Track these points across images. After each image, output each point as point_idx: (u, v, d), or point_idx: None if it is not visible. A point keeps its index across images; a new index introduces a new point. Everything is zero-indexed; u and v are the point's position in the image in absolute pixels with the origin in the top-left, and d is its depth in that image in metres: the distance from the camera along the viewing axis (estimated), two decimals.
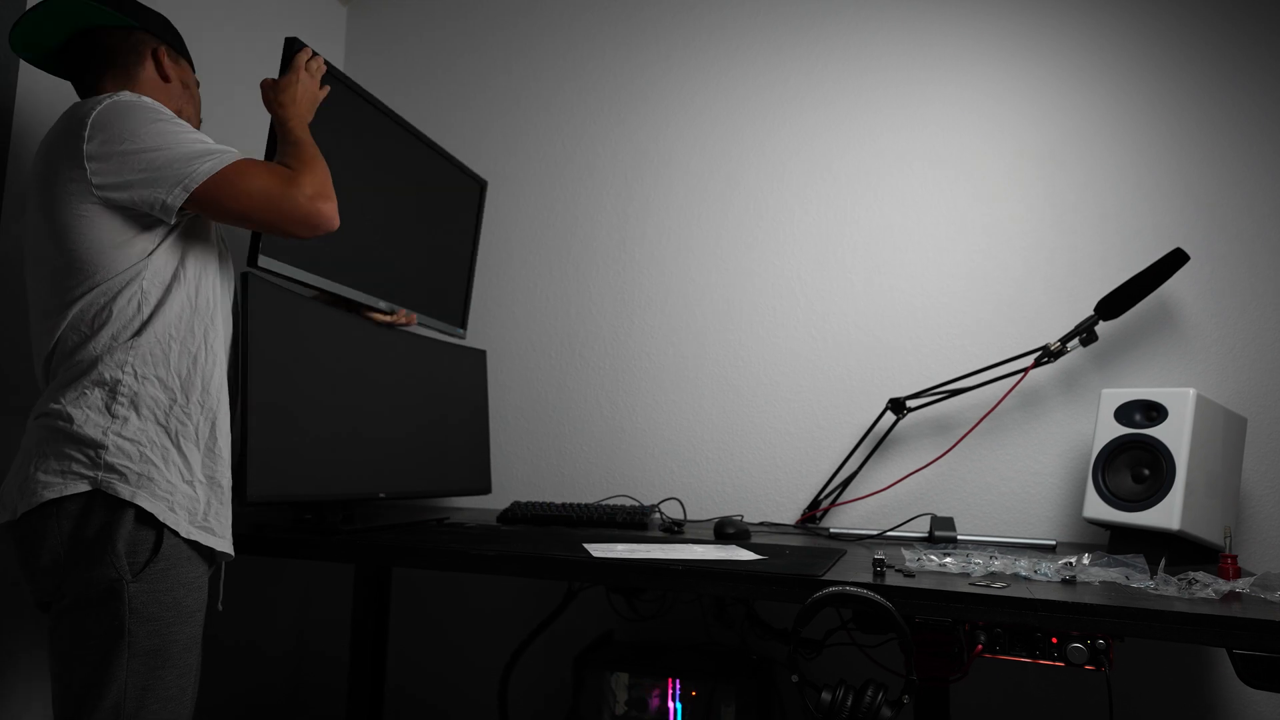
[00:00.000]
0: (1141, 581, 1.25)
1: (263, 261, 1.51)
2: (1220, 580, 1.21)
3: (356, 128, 1.73)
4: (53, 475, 1.16)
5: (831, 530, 1.79)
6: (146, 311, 1.22)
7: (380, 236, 1.85)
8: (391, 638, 2.31)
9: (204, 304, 1.29)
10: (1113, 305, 1.73)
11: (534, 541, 1.52)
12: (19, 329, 1.56)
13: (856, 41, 2.11)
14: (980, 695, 1.83)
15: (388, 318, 1.82)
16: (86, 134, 1.17)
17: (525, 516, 1.87)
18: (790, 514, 2.03)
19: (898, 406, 1.88)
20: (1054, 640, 1.13)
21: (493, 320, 2.35)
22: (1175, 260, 1.69)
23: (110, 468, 1.17)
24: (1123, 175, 1.88)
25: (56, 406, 1.19)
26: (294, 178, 1.28)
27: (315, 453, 1.54)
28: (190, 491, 1.23)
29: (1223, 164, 1.82)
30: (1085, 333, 1.74)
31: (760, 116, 2.17)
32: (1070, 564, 1.36)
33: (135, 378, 1.20)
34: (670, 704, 1.85)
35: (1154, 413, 1.59)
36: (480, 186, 2.19)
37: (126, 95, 1.23)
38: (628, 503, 2.09)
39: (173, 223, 1.23)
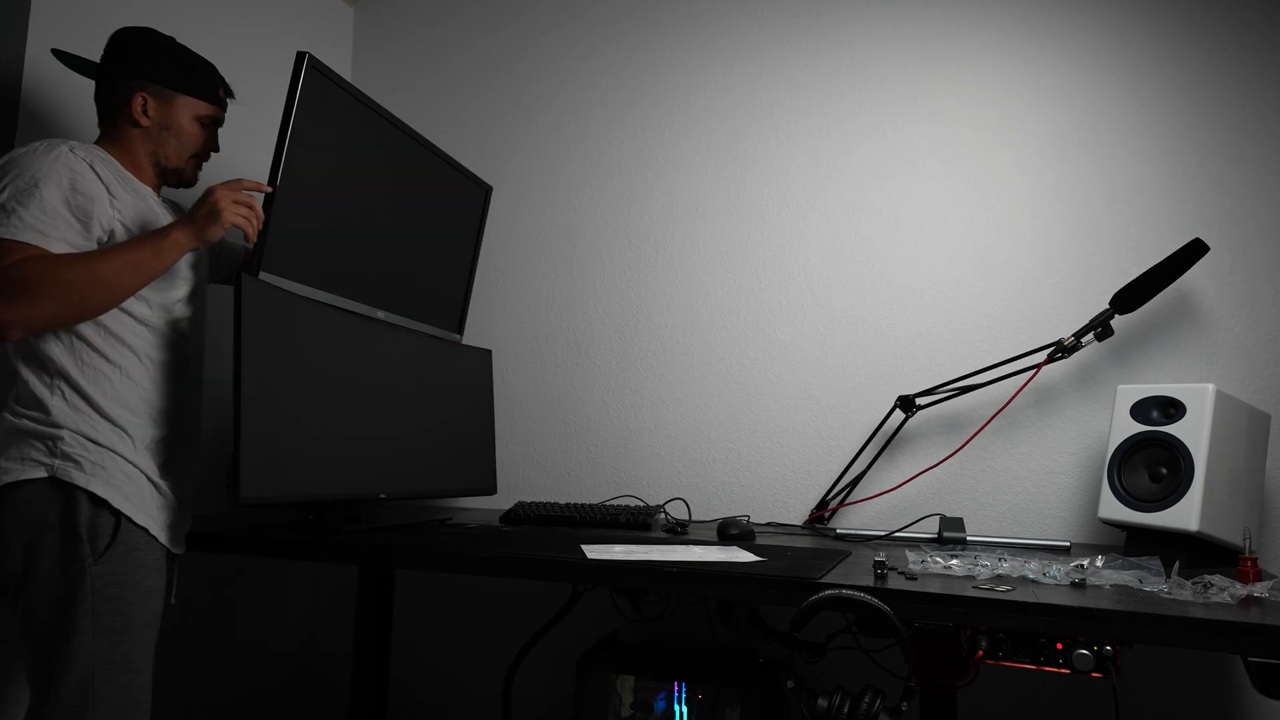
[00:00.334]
0: (1155, 585, 1.20)
1: (263, 277, 1.52)
2: (1237, 584, 1.16)
3: (361, 136, 1.73)
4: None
5: (838, 531, 1.75)
6: None
7: (381, 243, 1.85)
8: (399, 634, 2.30)
9: None
10: (1129, 298, 1.67)
11: (533, 543, 1.50)
12: None
13: (863, 33, 2.07)
14: (988, 701, 1.78)
15: None
16: None
17: (529, 517, 1.85)
18: (798, 514, 1.99)
19: (907, 404, 1.84)
20: (1059, 646, 1.09)
21: (498, 320, 2.34)
22: (1194, 251, 1.63)
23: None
24: (1138, 164, 1.82)
25: None
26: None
27: (312, 453, 1.53)
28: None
29: (1243, 150, 1.75)
30: (1100, 327, 1.69)
31: (766, 112, 2.14)
32: (1081, 566, 1.31)
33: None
34: (675, 707, 1.83)
35: (1172, 409, 1.54)
36: (485, 192, 2.18)
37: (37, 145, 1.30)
38: (633, 503, 2.07)
39: None
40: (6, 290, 1.20)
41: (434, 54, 2.49)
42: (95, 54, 1.47)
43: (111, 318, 1.33)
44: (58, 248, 1.26)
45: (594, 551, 1.39)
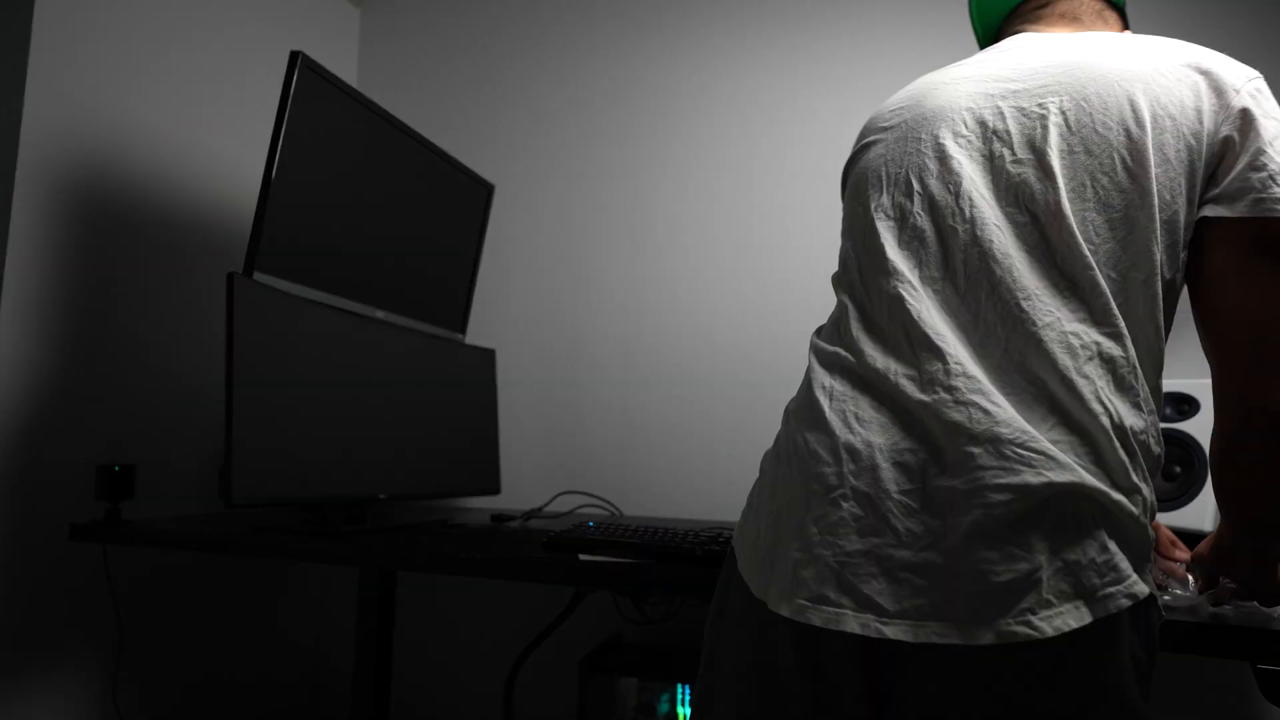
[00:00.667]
0: (1171, 590, 1.15)
1: (258, 278, 1.51)
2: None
3: (359, 135, 1.72)
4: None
5: None
6: None
7: (382, 244, 1.84)
8: (403, 634, 2.30)
9: None
10: None
11: (529, 543, 1.49)
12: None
13: (867, 25, 2.03)
14: None
15: None
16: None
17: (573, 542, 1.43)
18: None
19: None
20: None
21: (501, 318, 2.33)
22: None
23: None
24: None
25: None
26: None
27: (306, 453, 1.52)
28: None
29: None
30: None
31: (772, 106, 2.11)
32: None
33: None
34: (680, 709, 1.81)
35: (1185, 405, 1.49)
36: (487, 190, 2.17)
37: None
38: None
39: None
40: None
41: (438, 52, 2.48)
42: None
43: None
44: None
45: (585, 554, 1.37)
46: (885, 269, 0.89)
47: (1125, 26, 1.07)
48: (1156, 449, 0.83)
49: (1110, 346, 0.81)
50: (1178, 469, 1.48)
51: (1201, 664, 1.64)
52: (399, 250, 1.90)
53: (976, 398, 0.79)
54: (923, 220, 0.89)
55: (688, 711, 1.77)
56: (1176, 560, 1.09)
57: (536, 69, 2.36)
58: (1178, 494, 1.45)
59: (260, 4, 2.20)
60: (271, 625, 2.21)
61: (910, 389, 0.82)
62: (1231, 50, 1.70)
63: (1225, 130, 0.84)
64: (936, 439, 0.80)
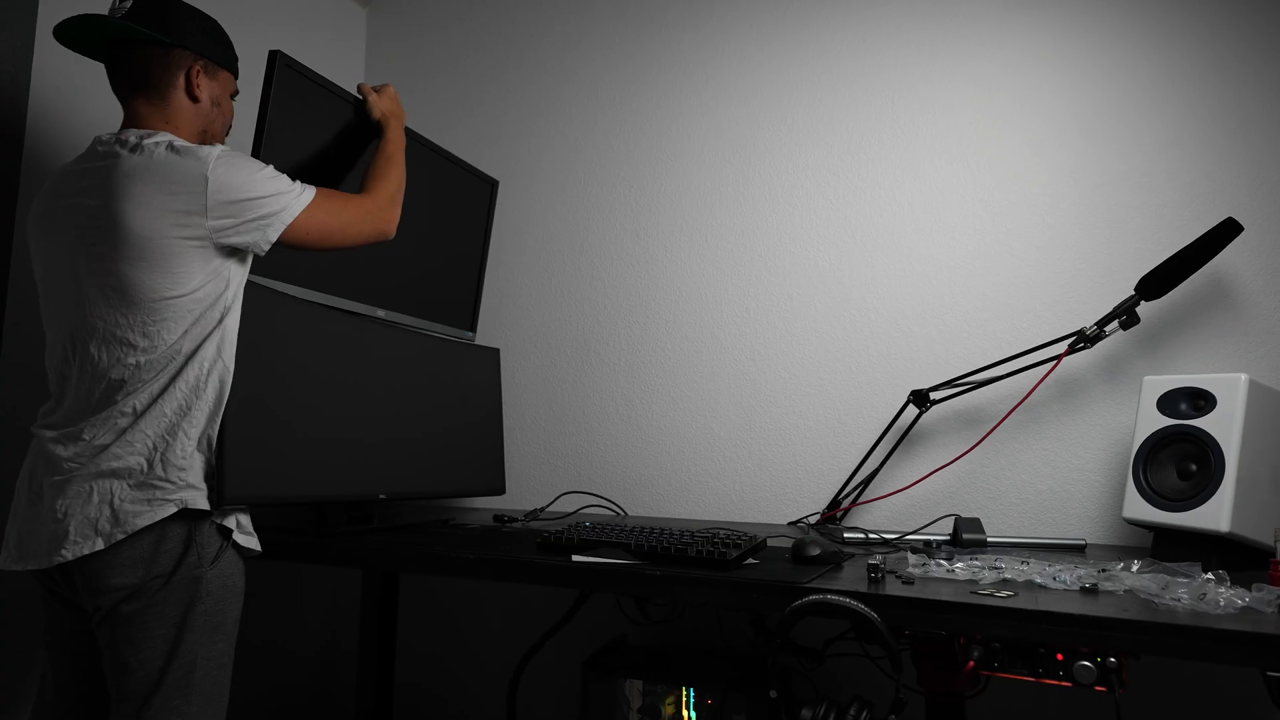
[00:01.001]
0: (1175, 593, 1.11)
1: (250, 278, 1.49)
2: (1271, 588, 1.07)
3: (349, 135, 1.71)
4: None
5: (846, 534, 1.67)
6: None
7: (387, 246, 1.82)
8: (408, 633, 2.30)
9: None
10: (1155, 283, 1.57)
11: (525, 545, 1.47)
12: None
13: (874, 15, 1.99)
14: (1002, 713, 1.69)
15: None
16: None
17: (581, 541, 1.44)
18: (812, 515, 1.92)
19: (920, 399, 1.76)
20: (1059, 657, 1.01)
21: (507, 318, 2.32)
22: (1227, 231, 1.52)
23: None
24: (1166, 141, 1.71)
25: None
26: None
27: (302, 453, 1.52)
28: None
29: (1278, 123, 1.63)
30: (1125, 315, 1.59)
31: (776, 100, 2.07)
32: (1104, 571, 1.23)
33: None
34: (684, 712, 1.79)
35: (1201, 401, 1.44)
36: (491, 186, 2.16)
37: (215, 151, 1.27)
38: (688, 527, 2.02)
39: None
40: (377, 208, 1.47)
41: (444, 52, 2.48)
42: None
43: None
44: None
45: (579, 555, 1.35)
46: None
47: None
48: None
49: None
50: (1193, 467, 1.43)
51: (1211, 670, 1.59)
52: (404, 250, 1.89)
53: None
54: None
55: (694, 715, 1.75)
56: None
57: (539, 66, 2.35)
58: (1193, 493, 1.40)
59: (267, 5, 2.21)
60: (290, 625, 2.22)
61: None
62: (1269, 14, 1.66)
63: None
64: None
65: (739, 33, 2.13)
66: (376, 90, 1.67)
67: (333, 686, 2.37)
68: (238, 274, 1.32)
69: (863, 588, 1.14)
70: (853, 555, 1.43)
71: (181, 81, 1.34)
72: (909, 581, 1.20)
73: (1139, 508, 1.47)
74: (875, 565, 1.21)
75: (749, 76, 2.11)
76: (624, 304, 2.18)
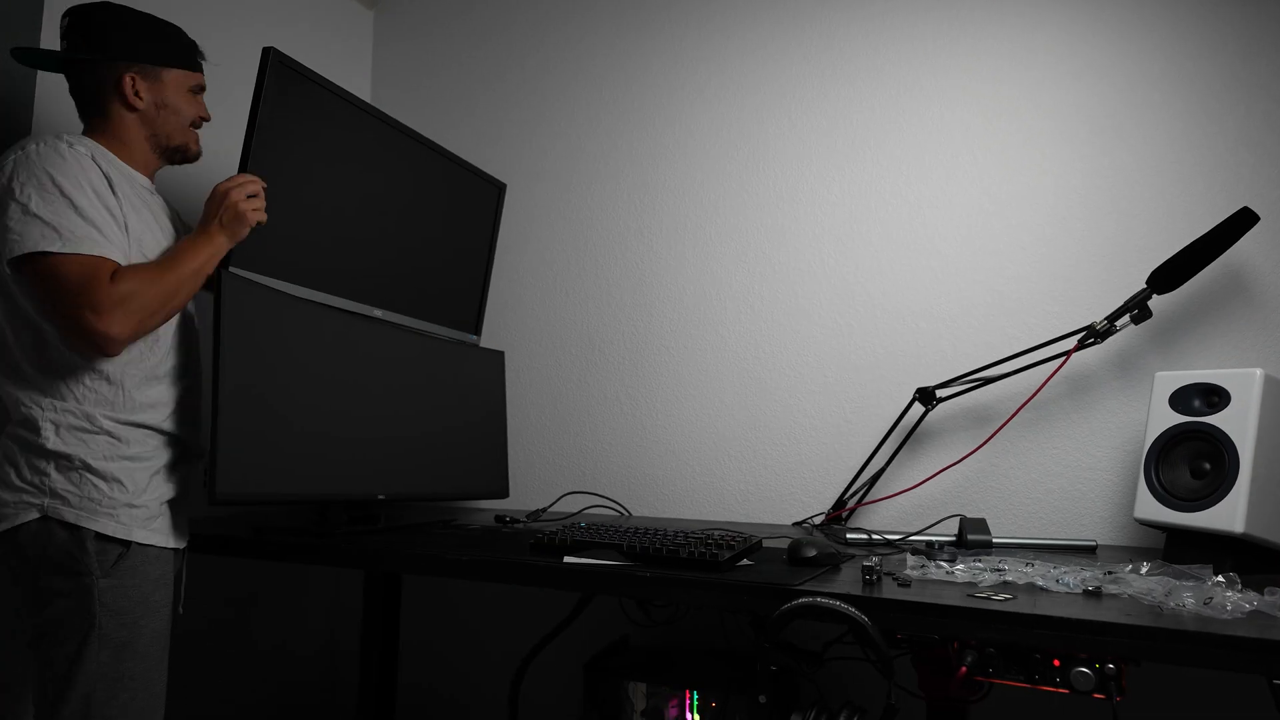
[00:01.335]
0: (1179, 597, 1.06)
1: (236, 271, 1.48)
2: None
3: (351, 136, 1.71)
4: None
5: (849, 535, 1.64)
6: None
7: (384, 244, 1.83)
8: (412, 633, 2.30)
9: None
10: (1168, 276, 1.52)
11: (520, 546, 1.46)
12: None
13: (878, 10, 1.95)
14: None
15: None
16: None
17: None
18: (817, 515, 1.89)
19: (926, 397, 1.72)
20: (1056, 663, 0.98)
21: (511, 317, 2.31)
22: (1242, 221, 1.47)
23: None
24: (1178, 130, 1.66)
25: None
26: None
27: (296, 451, 1.51)
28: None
29: None
30: (1136, 308, 1.54)
31: (781, 95, 2.04)
32: (1110, 573, 1.18)
33: None
34: (688, 715, 1.76)
35: (1215, 397, 1.39)
36: (498, 190, 2.15)
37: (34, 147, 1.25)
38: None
39: None
40: (111, 307, 1.19)
41: (450, 52, 2.48)
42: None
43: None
44: (116, 254, 1.23)
45: (570, 557, 1.33)
46: None
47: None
48: None
49: None
50: (1207, 465, 1.38)
51: (1216, 677, 1.53)
52: (404, 250, 1.89)
53: None
54: None
55: (698, 718, 1.72)
56: None
57: (543, 66, 2.34)
58: (1206, 493, 1.35)
59: (274, 7, 2.22)
60: (292, 627, 2.23)
61: None
62: (1244, 35, 1.60)
63: None
64: None
65: (741, 30, 2.10)
66: (230, 186, 1.40)
67: (336, 686, 2.38)
68: None
69: (858, 590, 1.12)
70: (852, 556, 1.40)
71: (117, 93, 1.34)
72: (906, 584, 1.17)
73: (1151, 508, 1.43)
74: (870, 567, 1.18)
75: (752, 73, 2.08)
76: (628, 302, 2.16)
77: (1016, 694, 1.64)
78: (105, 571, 1.22)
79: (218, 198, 1.37)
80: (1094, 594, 1.12)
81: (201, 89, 1.46)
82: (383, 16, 2.60)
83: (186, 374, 1.42)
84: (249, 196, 1.38)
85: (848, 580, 1.20)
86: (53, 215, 1.19)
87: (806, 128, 2.01)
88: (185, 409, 1.40)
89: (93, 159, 1.27)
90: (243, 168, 1.47)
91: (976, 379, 1.69)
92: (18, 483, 1.22)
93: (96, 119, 1.36)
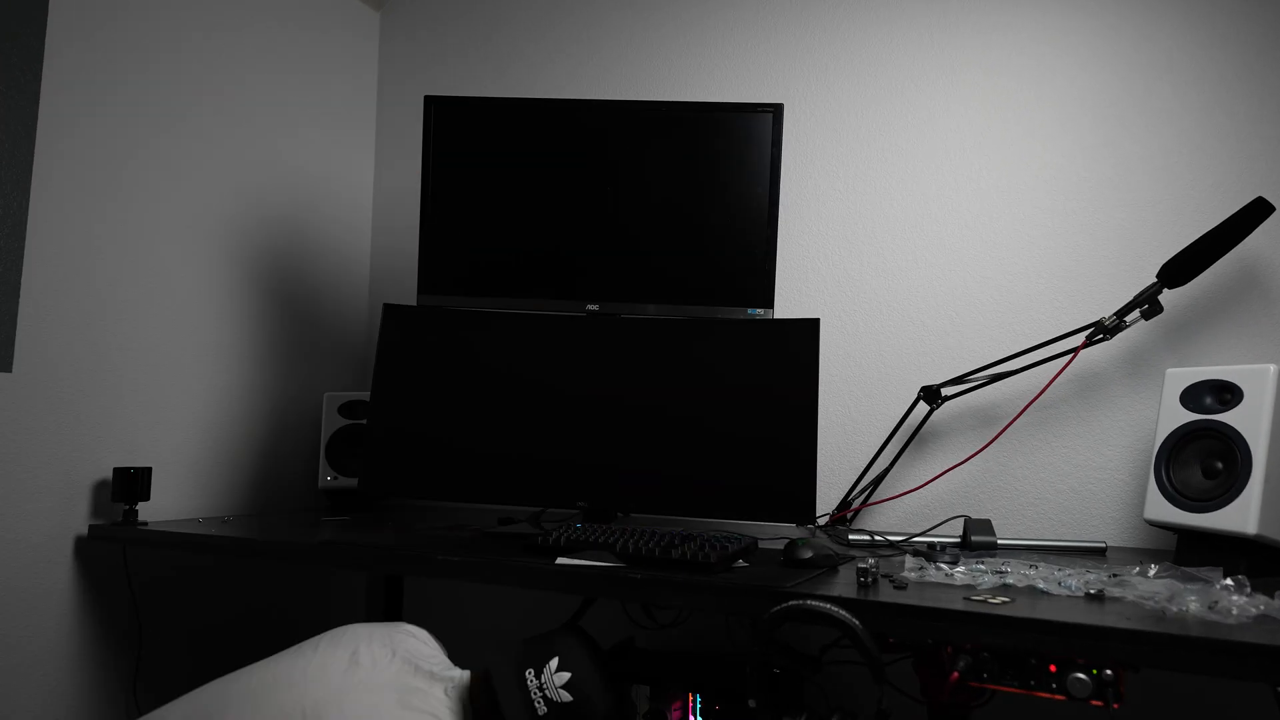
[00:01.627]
0: (1183, 601, 1.02)
1: (424, 300, 1.67)
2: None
3: (559, 138, 1.74)
4: None
5: (851, 536, 1.61)
6: None
7: (621, 234, 1.73)
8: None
9: None
10: (1179, 269, 1.47)
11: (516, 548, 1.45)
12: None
13: (883, 1, 1.92)
14: None
15: None
16: None
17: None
18: (823, 516, 1.86)
19: (931, 395, 1.69)
20: (1052, 668, 0.95)
21: None
22: (1257, 212, 1.42)
23: None
24: (1193, 121, 1.61)
25: None
26: None
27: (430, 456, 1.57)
28: None
29: None
30: (1146, 303, 1.49)
31: (784, 92, 2.01)
32: (1115, 576, 1.15)
33: None
34: (690, 717, 1.74)
35: (1227, 394, 1.35)
36: (772, 112, 1.70)
37: None
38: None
39: None
40: None
41: (456, 50, 2.47)
42: None
43: None
44: None
45: (561, 558, 1.32)
46: None
47: None
48: None
49: None
50: (1219, 464, 1.34)
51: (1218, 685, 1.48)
52: (636, 231, 1.74)
53: None
54: None
55: None
56: None
57: (548, 59, 2.33)
58: (1218, 493, 1.31)
59: (281, 9, 2.22)
60: (291, 621, 2.24)
61: None
62: (1257, 21, 1.55)
63: None
64: None
65: (744, 25, 2.08)
66: None
67: None
68: None
69: (853, 593, 1.09)
70: (852, 558, 1.38)
71: None
72: (901, 586, 1.14)
73: (1161, 508, 1.39)
74: (865, 569, 1.16)
75: (754, 68, 2.05)
76: None
77: (1020, 700, 1.60)
78: None
79: None
80: (1096, 597, 1.09)
81: None
82: (389, 17, 2.60)
83: None
84: None
85: (844, 582, 1.17)
86: None
87: (810, 122, 1.97)
88: None
89: None
90: (423, 208, 1.60)
91: (982, 377, 1.65)
92: None
93: None
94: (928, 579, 1.19)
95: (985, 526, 1.52)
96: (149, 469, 1.76)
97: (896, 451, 1.76)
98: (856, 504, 1.78)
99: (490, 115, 1.71)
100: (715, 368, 1.59)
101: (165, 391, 1.90)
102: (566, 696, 1.16)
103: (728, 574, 1.20)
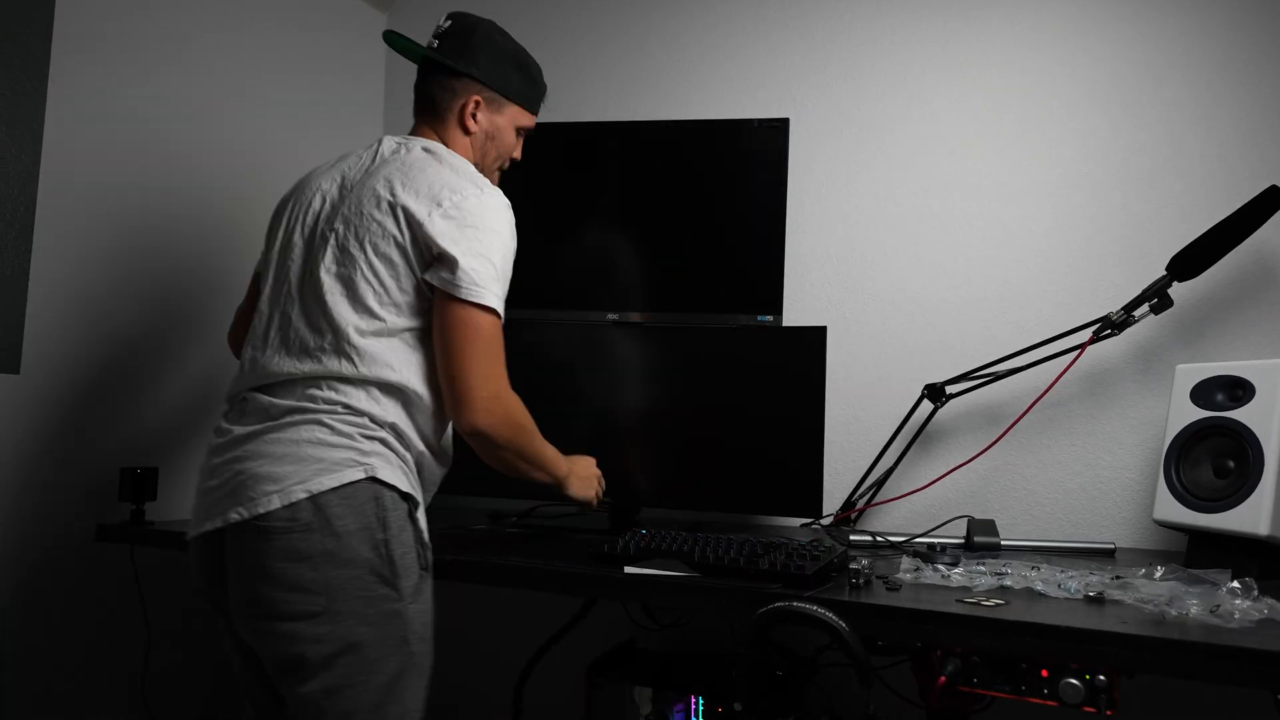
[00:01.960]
0: (1184, 604, 0.99)
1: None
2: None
3: (588, 155, 1.80)
4: None
5: (852, 536, 1.58)
6: None
7: (652, 245, 1.80)
8: None
9: None
10: (1188, 262, 1.43)
11: (513, 550, 1.44)
12: None
13: None
14: None
15: None
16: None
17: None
18: (827, 517, 1.83)
19: (935, 393, 1.65)
20: (1044, 673, 0.92)
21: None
22: (1269, 202, 1.38)
23: None
24: (1204, 110, 1.57)
25: None
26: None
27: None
28: None
29: None
30: (1155, 297, 1.45)
31: (786, 88, 1.99)
32: (1118, 578, 1.12)
33: None
34: None
35: (1239, 391, 1.31)
36: (776, 128, 1.77)
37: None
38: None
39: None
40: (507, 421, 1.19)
41: None
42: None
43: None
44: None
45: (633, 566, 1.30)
46: None
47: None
48: None
49: None
50: (1230, 463, 1.30)
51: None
52: (667, 242, 1.82)
53: None
54: None
55: None
56: None
57: (555, 60, 2.32)
58: (1228, 492, 1.27)
59: (287, 12, 2.23)
60: None
61: None
62: (1260, 24, 1.50)
63: None
64: None
65: (744, 22, 2.05)
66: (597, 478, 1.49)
67: None
68: None
69: (843, 594, 1.07)
70: (854, 559, 1.35)
71: (458, 110, 1.33)
72: (895, 588, 1.12)
73: (1170, 509, 1.35)
74: (857, 570, 1.14)
75: (756, 65, 2.03)
76: None
77: (1022, 706, 1.56)
78: None
79: (590, 470, 1.45)
80: (1096, 600, 1.06)
81: (527, 132, 1.44)
82: (395, 18, 2.61)
83: None
84: (598, 488, 1.46)
85: (838, 584, 1.15)
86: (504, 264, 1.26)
87: (811, 118, 1.95)
88: None
89: None
90: None
91: (988, 374, 1.62)
92: None
93: (434, 124, 1.35)
94: (923, 580, 1.17)
95: (989, 527, 1.48)
96: (155, 469, 1.78)
97: (901, 451, 1.72)
98: (860, 504, 1.75)
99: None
100: (728, 371, 1.68)
101: (171, 392, 1.92)
102: None
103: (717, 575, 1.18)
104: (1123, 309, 1.47)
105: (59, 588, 1.70)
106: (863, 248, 1.86)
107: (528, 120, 1.41)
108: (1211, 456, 1.32)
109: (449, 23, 1.36)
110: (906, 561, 1.22)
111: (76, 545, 1.73)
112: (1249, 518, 1.23)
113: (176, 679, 1.91)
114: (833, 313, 1.88)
